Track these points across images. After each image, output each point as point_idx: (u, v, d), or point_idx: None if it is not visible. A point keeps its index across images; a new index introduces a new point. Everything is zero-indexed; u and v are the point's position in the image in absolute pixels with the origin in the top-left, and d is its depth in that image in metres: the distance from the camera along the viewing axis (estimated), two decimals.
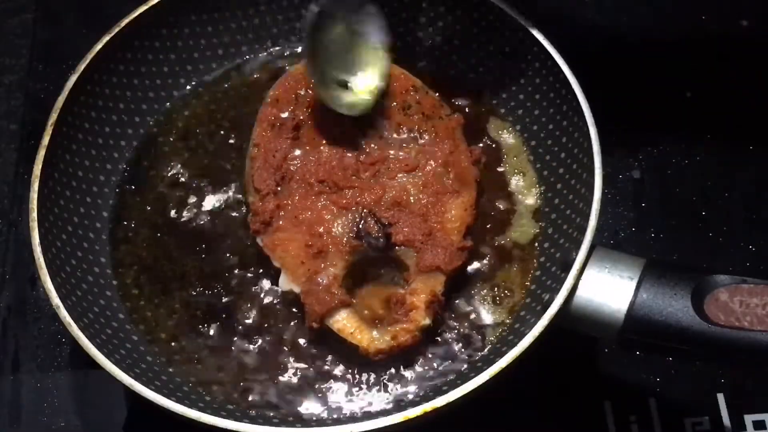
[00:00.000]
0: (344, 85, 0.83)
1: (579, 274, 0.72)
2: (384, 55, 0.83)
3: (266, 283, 0.81)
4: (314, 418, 0.76)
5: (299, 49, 0.93)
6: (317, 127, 0.84)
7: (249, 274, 0.82)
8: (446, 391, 0.69)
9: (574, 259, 0.72)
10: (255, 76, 0.93)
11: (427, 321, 0.76)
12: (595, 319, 0.71)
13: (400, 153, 0.82)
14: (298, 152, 0.83)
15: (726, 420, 0.82)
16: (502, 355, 0.70)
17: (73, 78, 0.83)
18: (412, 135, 0.84)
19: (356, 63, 0.83)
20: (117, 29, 0.86)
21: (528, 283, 0.81)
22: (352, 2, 0.82)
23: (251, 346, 0.79)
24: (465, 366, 0.78)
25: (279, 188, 0.81)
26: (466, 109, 0.89)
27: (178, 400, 0.70)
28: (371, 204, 0.80)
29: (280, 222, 0.79)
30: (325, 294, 0.76)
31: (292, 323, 0.80)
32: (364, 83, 0.83)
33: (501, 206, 0.85)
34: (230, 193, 0.86)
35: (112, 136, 0.87)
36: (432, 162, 0.82)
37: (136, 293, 0.82)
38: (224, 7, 0.91)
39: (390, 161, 0.82)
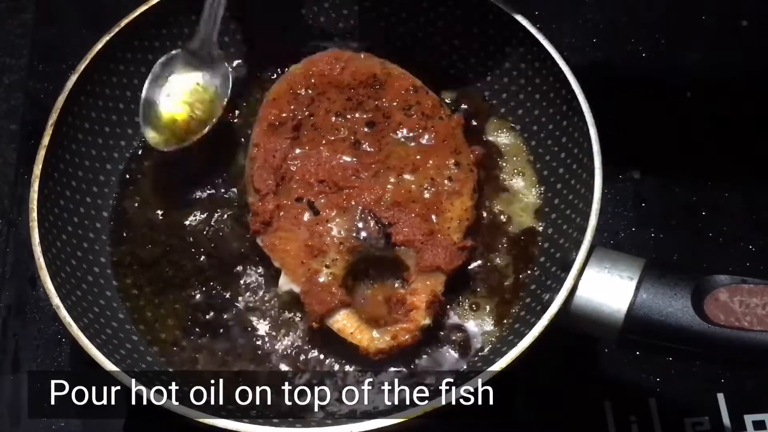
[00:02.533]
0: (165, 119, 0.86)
1: (579, 274, 0.72)
2: (217, 106, 0.86)
3: (266, 283, 0.81)
4: (314, 418, 0.76)
5: (299, 50, 0.93)
6: (317, 127, 0.84)
7: (249, 274, 0.82)
8: (446, 391, 0.69)
9: (574, 259, 0.72)
10: (255, 76, 0.93)
11: (427, 321, 0.76)
12: (595, 319, 0.71)
13: (401, 153, 0.83)
14: (298, 152, 0.83)
15: (726, 420, 0.82)
16: (502, 355, 0.70)
17: (73, 78, 0.83)
18: (412, 135, 0.84)
19: (188, 102, 0.87)
20: (117, 29, 0.86)
21: (528, 283, 0.81)
22: (211, 57, 0.87)
23: (251, 346, 0.79)
24: (465, 366, 0.78)
25: (279, 188, 0.81)
26: (466, 109, 0.89)
27: (178, 400, 0.70)
28: (371, 204, 0.80)
29: (280, 222, 0.79)
30: (325, 294, 0.76)
31: (292, 323, 0.80)
32: (188, 116, 0.86)
33: (501, 206, 0.85)
34: (230, 193, 0.86)
35: (112, 136, 0.87)
36: (432, 162, 0.82)
37: (136, 293, 0.82)
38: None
39: (390, 161, 0.82)
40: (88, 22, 1.02)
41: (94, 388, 0.84)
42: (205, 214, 0.85)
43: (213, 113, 0.86)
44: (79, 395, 0.83)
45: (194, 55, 0.86)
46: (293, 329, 0.79)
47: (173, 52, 0.87)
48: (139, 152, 0.88)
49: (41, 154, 0.79)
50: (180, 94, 0.86)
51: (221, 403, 0.76)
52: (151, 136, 0.84)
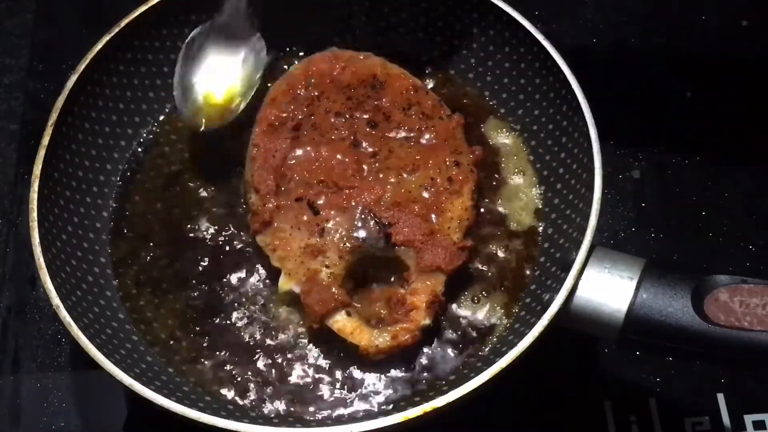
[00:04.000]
0: (203, 98, 0.86)
1: (579, 274, 0.72)
2: (256, 79, 0.86)
3: (266, 283, 0.81)
4: (314, 418, 0.76)
5: (299, 50, 0.93)
6: (317, 127, 0.84)
7: (249, 274, 0.82)
8: (446, 391, 0.69)
9: (574, 259, 0.72)
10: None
11: (427, 321, 0.76)
12: (595, 319, 0.71)
13: (401, 153, 0.83)
14: (298, 152, 0.83)
15: (726, 420, 0.82)
16: (502, 355, 0.70)
17: (73, 78, 0.83)
18: (412, 135, 0.84)
19: (225, 78, 0.86)
20: (117, 29, 0.85)
21: (528, 283, 0.81)
22: (242, 29, 0.85)
23: (251, 346, 0.79)
24: (465, 366, 0.78)
25: (279, 188, 0.81)
26: (466, 109, 0.89)
27: (178, 400, 0.70)
28: (371, 204, 0.80)
29: (280, 222, 0.79)
30: (325, 294, 0.76)
31: (292, 323, 0.80)
32: (226, 93, 0.86)
33: (501, 206, 0.85)
34: (230, 193, 0.86)
35: (112, 136, 0.87)
36: (432, 162, 0.82)
37: (136, 293, 0.82)
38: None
39: (390, 161, 0.82)
40: (88, 22, 1.02)
41: (94, 388, 0.84)
42: (206, 215, 0.85)
43: (250, 85, 0.86)
44: (80, 395, 0.84)
45: (223, 29, 0.85)
46: (293, 329, 0.79)
47: (199, 29, 0.86)
48: (140, 152, 0.88)
49: (41, 154, 0.79)
50: (214, 71, 0.86)
51: (221, 403, 0.76)
52: (189, 117, 0.84)
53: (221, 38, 0.86)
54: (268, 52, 0.88)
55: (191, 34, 0.86)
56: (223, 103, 0.86)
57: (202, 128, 0.85)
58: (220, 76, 0.86)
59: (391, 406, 0.76)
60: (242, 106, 0.85)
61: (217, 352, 0.79)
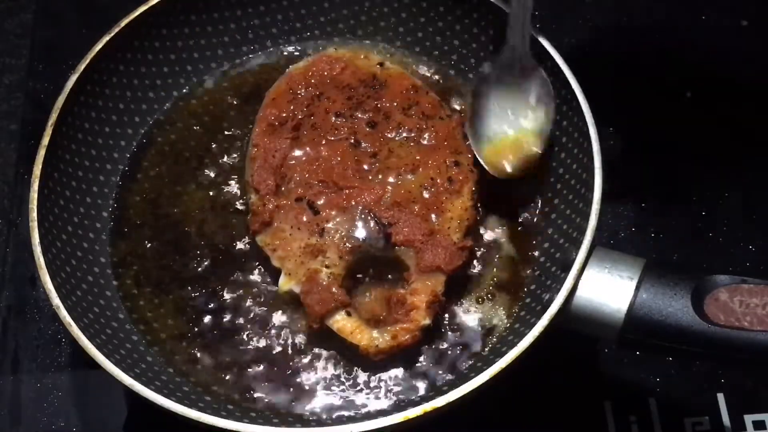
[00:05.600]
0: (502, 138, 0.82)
1: (579, 274, 0.72)
2: (545, 120, 0.82)
3: (266, 283, 0.81)
4: (314, 418, 0.76)
5: (299, 50, 0.93)
6: (317, 127, 0.84)
7: (249, 274, 0.82)
8: (446, 391, 0.69)
9: (574, 259, 0.72)
10: (255, 76, 0.93)
11: (427, 321, 0.76)
12: (595, 319, 0.71)
13: (401, 153, 0.83)
14: (298, 152, 0.83)
15: (726, 420, 0.82)
16: (502, 355, 0.70)
17: (73, 78, 0.83)
18: (412, 135, 0.84)
19: (517, 119, 0.82)
20: (117, 29, 0.86)
21: (528, 283, 0.81)
22: (524, 68, 0.82)
23: (251, 346, 0.79)
24: (465, 366, 0.78)
25: (279, 188, 0.81)
26: (466, 110, 0.89)
27: (178, 400, 0.70)
28: (371, 204, 0.80)
29: (280, 222, 0.79)
30: (325, 294, 0.76)
31: (292, 323, 0.80)
32: (525, 131, 0.82)
33: (501, 206, 0.85)
34: (230, 193, 0.86)
35: (112, 136, 0.87)
36: (432, 162, 0.82)
37: (136, 293, 0.82)
38: (224, 7, 0.91)
39: (390, 161, 0.82)
40: (88, 22, 1.02)
41: (94, 388, 0.84)
42: (206, 215, 0.85)
43: (542, 125, 0.82)
44: (79, 395, 0.84)
45: (506, 69, 0.82)
46: (293, 329, 0.79)
47: (483, 70, 0.83)
48: (139, 152, 0.88)
49: (41, 154, 0.79)
50: (506, 113, 0.83)
51: (221, 403, 0.76)
52: (490, 162, 0.82)
53: (505, 78, 0.82)
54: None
55: (476, 80, 0.83)
56: (518, 146, 0.82)
57: (502, 177, 0.82)
58: (510, 119, 0.83)
59: (390, 406, 0.76)
60: (539, 149, 0.81)
61: (217, 352, 0.79)
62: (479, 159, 0.82)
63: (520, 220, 0.84)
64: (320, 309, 0.76)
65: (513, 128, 0.83)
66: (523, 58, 0.82)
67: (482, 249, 0.83)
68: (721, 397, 0.83)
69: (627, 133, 0.94)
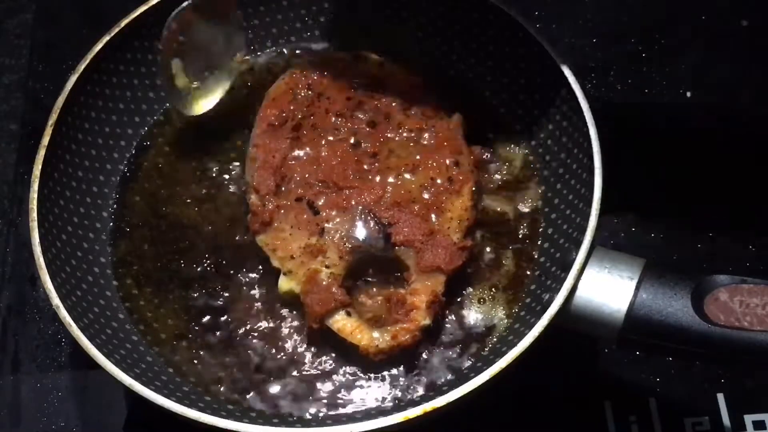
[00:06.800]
0: (187, 87, 0.86)
1: (579, 274, 0.72)
2: (233, 68, 0.89)
3: (266, 283, 0.81)
4: (314, 418, 0.76)
5: (299, 49, 0.93)
6: (317, 127, 0.84)
7: (249, 274, 0.82)
8: (446, 391, 0.69)
9: (574, 259, 0.72)
10: (255, 76, 0.92)
11: (427, 321, 0.76)
12: (595, 319, 0.71)
13: (401, 153, 0.83)
14: (298, 152, 0.83)
15: (726, 420, 0.82)
16: (502, 355, 0.70)
17: (73, 78, 0.83)
18: (412, 135, 0.84)
19: (206, 66, 0.87)
20: (117, 29, 0.86)
21: (528, 283, 0.81)
22: (223, 6, 0.85)
23: (251, 346, 0.79)
24: (465, 366, 0.78)
25: (279, 188, 0.81)
26: (466, 110, 0.89)
27: (178, 400, 0.70)
28: (371, 204, 0.80)
29: (280, 222, 0.79)
30: (325, 294, 0.76)
31: (292, 323, 0.80)
32: (207, 88, 0.88)
33: (500, 206, 0.85)
34: (230, 193, 0.86)
35: (112, 136, 0.87)
36: (432, 162, 0.82)
37: (136, 293, 0.82)
38: None
39: (390, 161, 0.82)
40: (88, 22, 1.02)
41: (94, 388, 0.84)
42: (205, 215, 0.85)
43: (232, 67, 0.88)
44: (79, 395, 0.84)
45: (199, 8, 0.84)
46: (293, 329, 0.79)
47: (180, 8, 0.84)
48: (139, 152, 0.88)
49: (41, 154, 0.79)
50: (196, 52, 0.86)
51: (221, 403, 0.76)
52: (177, 101, 0.86)
53: (199, 18, 0.85)
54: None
55: (169, 19, 0.83)
56: (206, 86, 0.87)
57: (192, 113, 0.87)
58: (200, 58, 0.86)
59: (390, 406, 0.76)
60: (227, 86, 0.88)
61: (217, 353, 0.79)
62: (169, 97, 0.86)
63: (520, 219, 0.84)
64: (320, 309, 0.76)
65: (202, 68, 0.87)
66: None
67: (482, 249, 0.83)
68: (721, 397, 0.83)
69: (627, 132, 0.94)
